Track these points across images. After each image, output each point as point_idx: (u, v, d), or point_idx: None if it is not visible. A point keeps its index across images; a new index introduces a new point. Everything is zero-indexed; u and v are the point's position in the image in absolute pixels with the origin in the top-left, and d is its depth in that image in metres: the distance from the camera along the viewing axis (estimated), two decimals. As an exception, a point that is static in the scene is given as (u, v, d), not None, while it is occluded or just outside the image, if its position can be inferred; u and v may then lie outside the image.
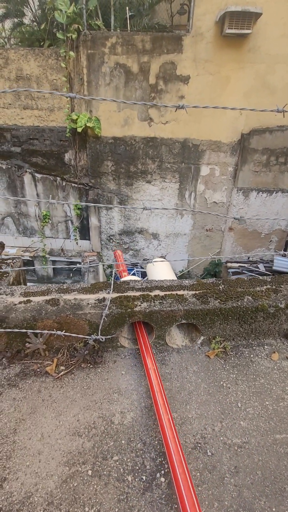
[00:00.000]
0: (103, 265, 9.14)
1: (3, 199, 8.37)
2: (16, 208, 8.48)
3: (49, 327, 1.63)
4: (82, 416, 1.48)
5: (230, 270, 8.28)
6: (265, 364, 1.73)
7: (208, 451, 1.36)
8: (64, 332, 1.58)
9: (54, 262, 9.04)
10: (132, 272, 8.64)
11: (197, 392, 1.59)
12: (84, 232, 8.75)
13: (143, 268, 8.95)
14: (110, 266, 9.24)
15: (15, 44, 8.51)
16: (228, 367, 1.72)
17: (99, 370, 1.68)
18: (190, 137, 7.49)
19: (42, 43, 7.64)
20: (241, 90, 6.91)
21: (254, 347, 1.83)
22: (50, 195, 8.18)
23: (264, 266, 8.35)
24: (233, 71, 6.79)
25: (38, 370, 1.66)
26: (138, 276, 8.77)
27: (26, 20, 8.61)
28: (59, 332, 1.55)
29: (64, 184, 8.21)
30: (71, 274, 9.39)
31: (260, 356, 1.78)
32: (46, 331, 1.58)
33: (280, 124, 7.16)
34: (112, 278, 1.83)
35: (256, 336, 1.85)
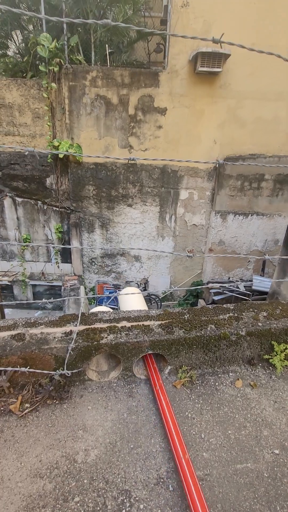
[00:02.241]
0: (85, 289, 9.07)
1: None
2: (-5, 232, 8.39)
3: (13, 363, 1.63)
4: (45, 456, 1.45)
5: (212, 291, 8.42)
6: (229, 392, 1.78)
7: (170, 486, 1.36)
8: (29, 368, 1.58)
9: (34, 286, 8.89)
10: (114, 296, 8.61)
11: (162, 424, 1.60)
12: (65, 255, 8.73)
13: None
14: (92, 289, 9.19)
15: (-3, 74, 8.80)
16: (193, 397, 1.75)
17: (65, 406, 1.67)
18: (169, 164, 7.84)
19: (24, 74, 7.96)
20: (214, 122, 7.40)
21: (220, 375, 1.88)
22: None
23: (244, 286, 8.55)
24: (206, 105, 7.29)
25: (2, 408, 1.63)
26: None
27: (9, 52, 8.99)
28: (23, 369, 1.55)
29: (45, 208, 8.26)
30: (51, 298, 9.22)
31: (225, 384, 1.83)
32: (10, 368, 1.57)
33: (251, 153, 7.65)
34: (80, 310, 1.86)
35: (221, 364, 1.91)
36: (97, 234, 8.52)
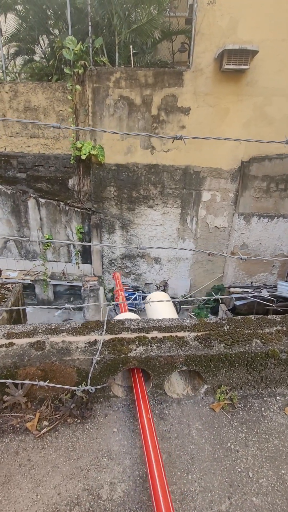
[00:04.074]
0: (104, 290, 8.95)
1: (6, 222, 8.40)
2: (19, 232, 8.48)
3: (32, 376, 1.45)
4: (64, 487, 1.25)
5: (233, 296, 8.03)
6: (279, 420, 1.51)
7: (214, 539, 1.12)
8: (48, 382, 1.40)
9: (55, 286, 8.90)
10: (133, 297, 8.43)
11: (200, 456, 1.36)
12: (85, 256, 8.67)
13: (144, 292, 8.75)
14: (111, 290, 9.06)
15: (25, 79, 8.98)
16: (236, 424, 1.50)
17: (87, 427, 1.47)
18: (191, 164, 7.59)
19: (50, 78, 8.03)
20: (240, 121, 7.09)
21: (265, 398, 1.61)
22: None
23: (268, 291, 8.09)
24: (232, 103, 7.00)
25: (18, 426, 1.45)
26: (140, 301, 8.53)
27: (36, 57, 9.15)
28: (41, 383, 1.36)
29: (67, 208, 8.26)
30: (71, 298, 9.20)
31: (272, 410, 1.56)
32: (27, 381, 1.40)
33: (279, 153, 7.26)
34: (106, 317, 1.66)
35: (267, 385, 1.64)
36: (117, 235, 8.39)
